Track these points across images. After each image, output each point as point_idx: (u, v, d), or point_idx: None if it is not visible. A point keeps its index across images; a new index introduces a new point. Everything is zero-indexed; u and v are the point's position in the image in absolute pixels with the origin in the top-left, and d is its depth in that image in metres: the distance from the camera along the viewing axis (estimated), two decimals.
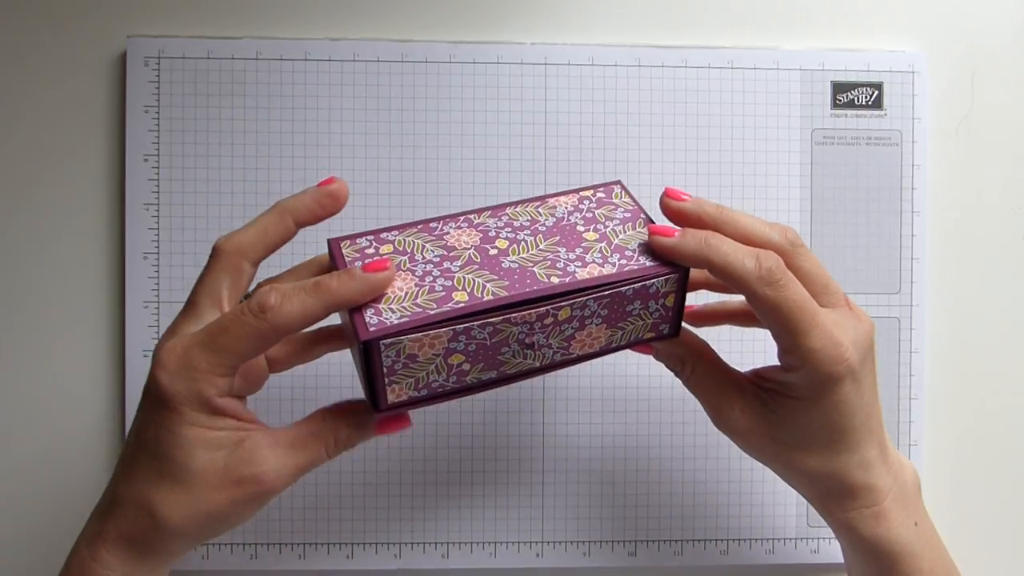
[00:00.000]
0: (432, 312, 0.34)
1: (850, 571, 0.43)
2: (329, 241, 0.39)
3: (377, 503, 0.52)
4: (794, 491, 0.54)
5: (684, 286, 0.39)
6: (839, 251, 0.54)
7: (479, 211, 0.40)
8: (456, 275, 0.36)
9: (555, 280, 0.36)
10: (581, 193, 0.42)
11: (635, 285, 0.37)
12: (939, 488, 0.55)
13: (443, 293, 0.35)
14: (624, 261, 0.37)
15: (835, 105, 0.53)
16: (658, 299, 0.38)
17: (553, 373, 0.52)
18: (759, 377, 0.41)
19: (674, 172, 0.53)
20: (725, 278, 0.37)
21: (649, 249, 0.38)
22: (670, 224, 0.38)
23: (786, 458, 0.40)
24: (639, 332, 0.40)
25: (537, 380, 0.53)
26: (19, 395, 0.52)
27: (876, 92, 0.53)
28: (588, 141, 0.53)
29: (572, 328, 0.37)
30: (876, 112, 0.53)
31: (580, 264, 0.37)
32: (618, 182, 0.42)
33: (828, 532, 0.53)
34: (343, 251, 0.38)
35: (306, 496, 0.52)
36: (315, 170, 0.52)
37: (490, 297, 0.35)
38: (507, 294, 0.35)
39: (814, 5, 0.54)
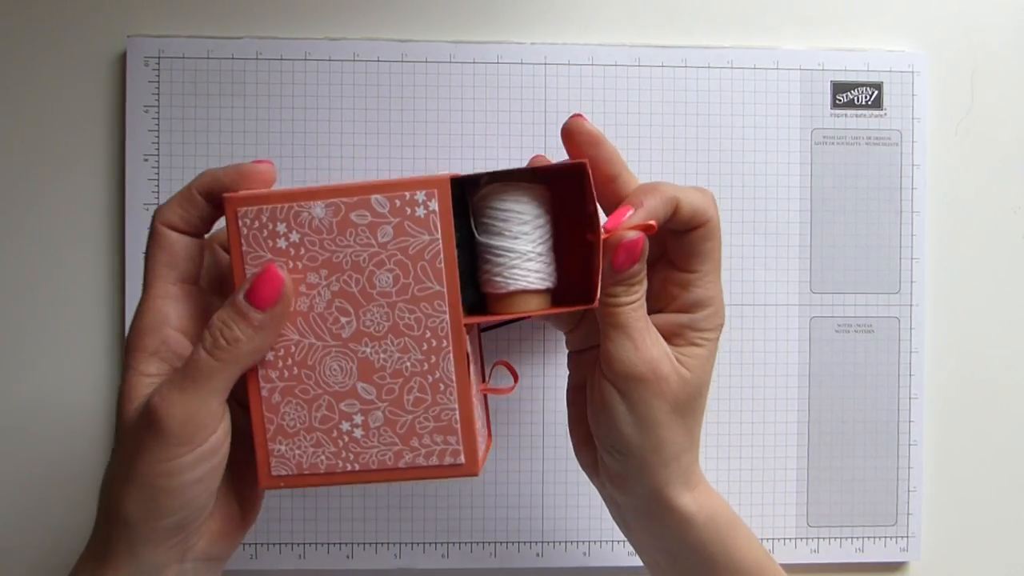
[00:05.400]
0: None
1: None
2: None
3: (377, 503, 0.52)
4: (794, 491, 0.54)
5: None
6: (839, 251, 0.54)
7: None
8: None
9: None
10: None
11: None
12: (939, 488, 0.55)
13: None
14: None
15: (835, 105, 0.53)
16: None
17: (554, 375, 0.53)
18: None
19: (674, 172, 0.53)
20: (688, 223, 0.37)
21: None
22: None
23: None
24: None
25: (538, 381, 0.53)
26: (19, 395, 0.52)
27: (876, 92, 0.53)
28: None
29: None
30: (876, 112, 0.53)
31: None
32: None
33: (828, 532, 0.54)
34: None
35: (306, 496, 0.52)
36: (315, 170, 0.52)
37: None
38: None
39: (814, 5, 0.54)
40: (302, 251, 0.35)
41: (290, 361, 0.35)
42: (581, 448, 0.41)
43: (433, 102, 0.52)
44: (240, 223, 0.35)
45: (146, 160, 0.51)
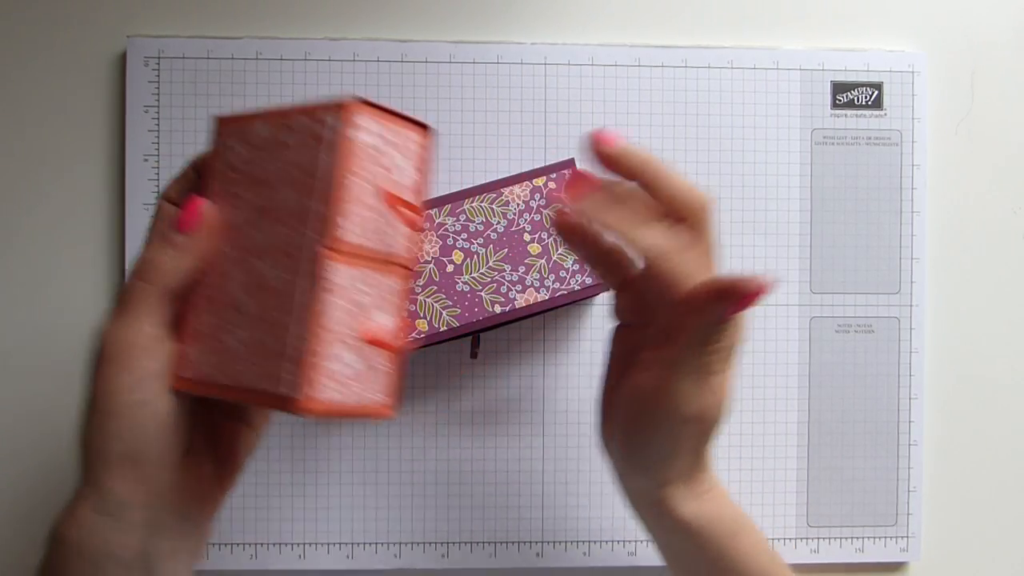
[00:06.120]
0: None
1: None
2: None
3: (377, 503, 0.52)
4: (794, 491, 0.54)
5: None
6: (839, 251, 0.54)
7: (441, 203, 0.46)
8: (419, 299, 0.46)
9: (497, 309, 0.46)
10: (534, 182, 0.46)
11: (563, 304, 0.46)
12: (939, 488, 0.55)
13: (409, 319, 0.45)
14: (558, 284, 0.46)
15: (835, 105, 0.53)
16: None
17: (554, 375, 0.53)
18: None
19: None
20: (669, 200, 0.36)
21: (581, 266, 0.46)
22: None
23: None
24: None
25: (537, 382, 0.53)
26: (20, 397, 0.52)
27: (876, 92, 0.53)
28: None
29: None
30: (876, 112, 0.53)
31: (520, 288, 0.46)
32: (571, 163, 0.47)
33: (828, 532, 0.54)
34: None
35: (306, 496, 0.52)
36: None
37: (444, 328, 0.46)
38: (458, 324, 0.46)
39: (814, 5, 0.54)
40: (244, 167, 0.36)
41: (214, 270, 0.36)
42: (605, 426, 0.40)
43: (433, 102, 0.52)
44: (218, 139, 0.37)
45: (146, 160, 0.51)
